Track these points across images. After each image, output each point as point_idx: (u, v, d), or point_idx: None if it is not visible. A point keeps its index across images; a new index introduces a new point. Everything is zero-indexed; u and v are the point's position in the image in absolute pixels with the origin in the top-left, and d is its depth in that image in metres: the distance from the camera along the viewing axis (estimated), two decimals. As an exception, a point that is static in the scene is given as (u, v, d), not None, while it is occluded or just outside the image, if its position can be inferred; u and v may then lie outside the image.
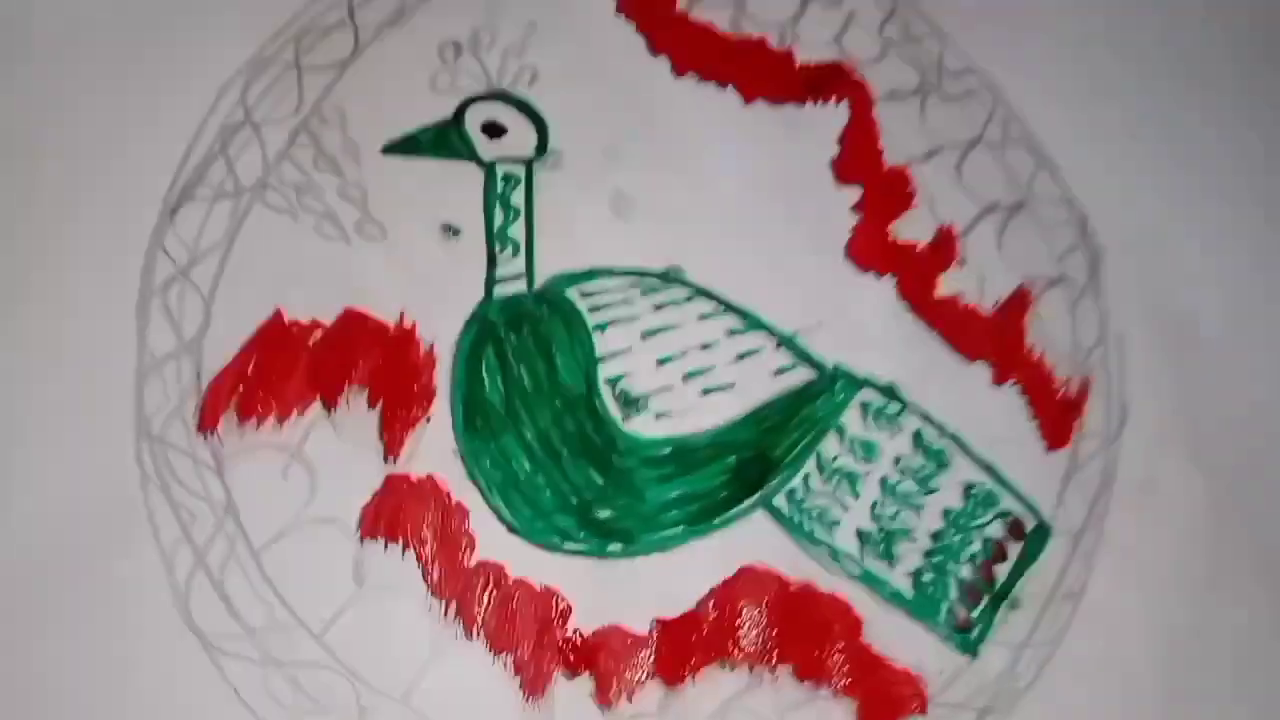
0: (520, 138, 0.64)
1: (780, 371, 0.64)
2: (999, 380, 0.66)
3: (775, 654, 0.60)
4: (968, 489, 0.64)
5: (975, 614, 0.63)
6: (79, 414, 0.58)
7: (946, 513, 0.64)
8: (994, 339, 0.66)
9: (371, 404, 0.60)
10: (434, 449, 0.60)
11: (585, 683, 0.59)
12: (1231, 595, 0.65)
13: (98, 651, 0.56)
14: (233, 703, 0.56)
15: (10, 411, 0.57)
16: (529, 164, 0.64)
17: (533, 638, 0.58)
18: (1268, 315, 0.69)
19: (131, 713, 0.55)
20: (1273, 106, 0.71)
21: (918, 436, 0.64)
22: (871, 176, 0.67)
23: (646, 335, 0.63)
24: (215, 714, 0.56)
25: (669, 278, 0.64)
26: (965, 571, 0.63)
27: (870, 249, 0.66)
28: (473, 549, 0.59)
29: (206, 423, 0.58)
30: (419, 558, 0.58)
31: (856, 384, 0.64)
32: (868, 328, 0.65)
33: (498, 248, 0.62)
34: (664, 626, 0.60)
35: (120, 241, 0.60)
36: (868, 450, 0.63)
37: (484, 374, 0.61)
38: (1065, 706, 0.62)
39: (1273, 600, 0.65)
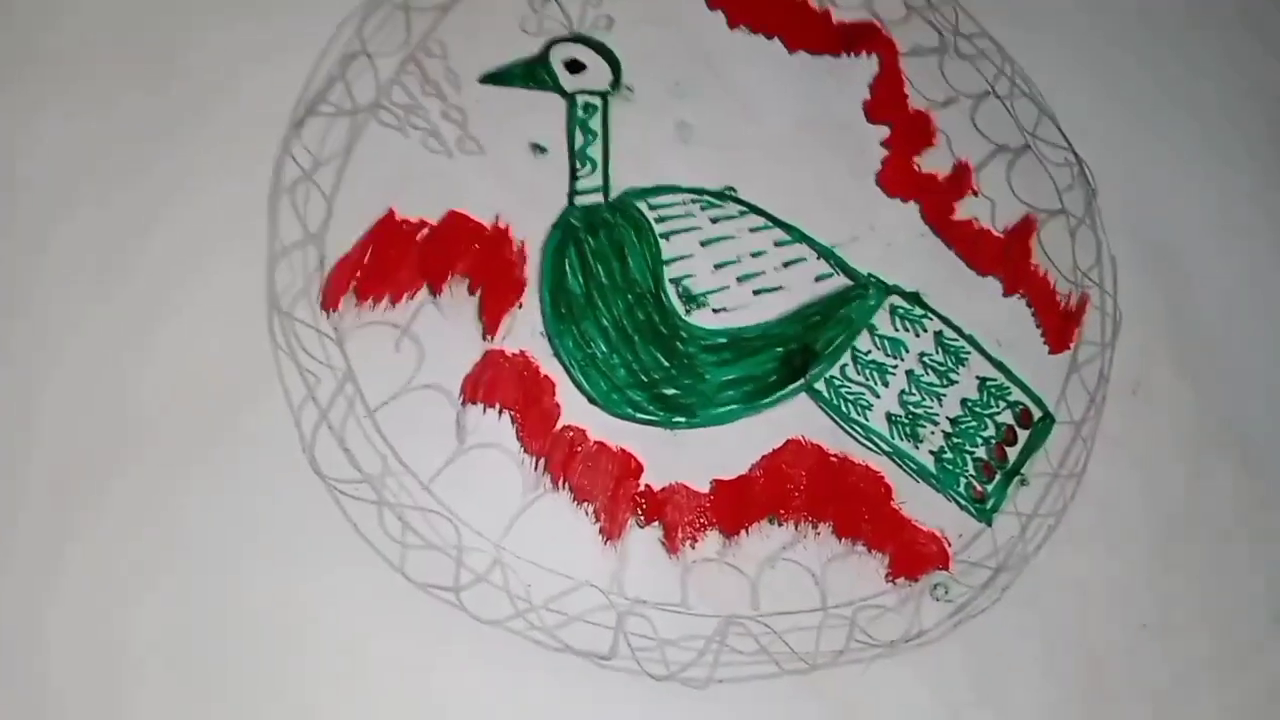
0: (598, 74, 0.74)
1: (821, 278, 0.73)
2: (1008, 292, 0.76)
3: (817, 513, 0.69)
4: (983, 382, 0.73)
5: (989, 488, 0.72)
6: (221, 290, 0.66)
7: (964, 401, 0.73)
8: (1003, 257, 0.76)
9: (471, 290, 0.69)
10: (525, 331, 0.69)
11: (655, 530, 0.67)
12: (1210, 476, 0.74)
13: (233, 491, 0.63)
14: (352, 536, 0.64)
15: (161, 287, 0.66)
16: (605, 96, 0.73)
17: (610, 490, 0.67)
18: (1235, 240, 0.80)
19: (264, 544, 0.63)
20: (1232, 62, 0.83)
21: (939, 337, 0.74)
22: (898, 117, 0.78)
23: (705, 243, 0.72)
24: (337, 545, 0.64)
25: (724, 196, 0.74)
26: (980, 451, 0.72)
27: (898, 178, 0.76)
28: (558, 415, 0.68)
29: (329, 302, 0.67)
30: (513, 420, 0.67)
31: (886, 290, 0.74)
32: (896, 244, 0.75)
33: (578, 165, 0.72)
34: (721, 485, 0.68)
35: (255, 147, 0.68)
36: (895, 347, 0.73)
37: (567, 269, 0.70)
38: (1067, 568, 0.71)
39: (1244, 479, 0.75)
